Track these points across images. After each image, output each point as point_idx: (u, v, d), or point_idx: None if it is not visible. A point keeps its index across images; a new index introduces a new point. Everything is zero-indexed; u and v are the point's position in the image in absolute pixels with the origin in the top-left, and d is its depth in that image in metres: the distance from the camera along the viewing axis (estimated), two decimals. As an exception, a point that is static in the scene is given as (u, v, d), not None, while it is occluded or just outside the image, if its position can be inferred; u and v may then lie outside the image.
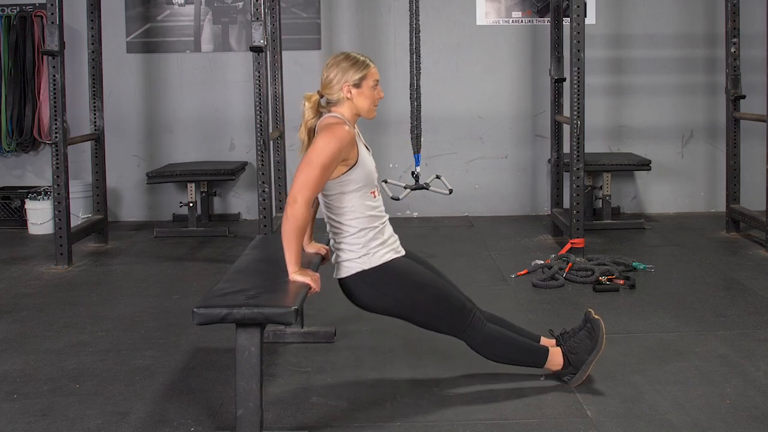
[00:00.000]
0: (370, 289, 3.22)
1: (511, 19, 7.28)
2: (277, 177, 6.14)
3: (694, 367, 3.55)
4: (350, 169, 3.15)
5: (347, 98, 3.23)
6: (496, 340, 3.31)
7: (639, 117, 7.35)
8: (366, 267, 3.19)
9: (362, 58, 3.28)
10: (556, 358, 3.35)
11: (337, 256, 3.25)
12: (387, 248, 3.24)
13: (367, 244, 3.19)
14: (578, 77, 5.50)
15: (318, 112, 3.26)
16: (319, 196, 3.24)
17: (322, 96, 3.26)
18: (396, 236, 3.34)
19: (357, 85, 3.23)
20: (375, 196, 3.25)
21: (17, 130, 7.17)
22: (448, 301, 3.28)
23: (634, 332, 4.04)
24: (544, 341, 3.45)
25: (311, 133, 3.25)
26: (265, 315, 2.79)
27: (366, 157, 3.22)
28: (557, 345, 3.41)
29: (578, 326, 3.44)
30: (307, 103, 3.25)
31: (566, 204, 6.12)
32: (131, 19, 7.28)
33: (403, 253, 3.32)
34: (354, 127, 3.23)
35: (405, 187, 6.00)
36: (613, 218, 6.88)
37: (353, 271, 3.21)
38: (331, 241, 3.28)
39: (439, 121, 7.27)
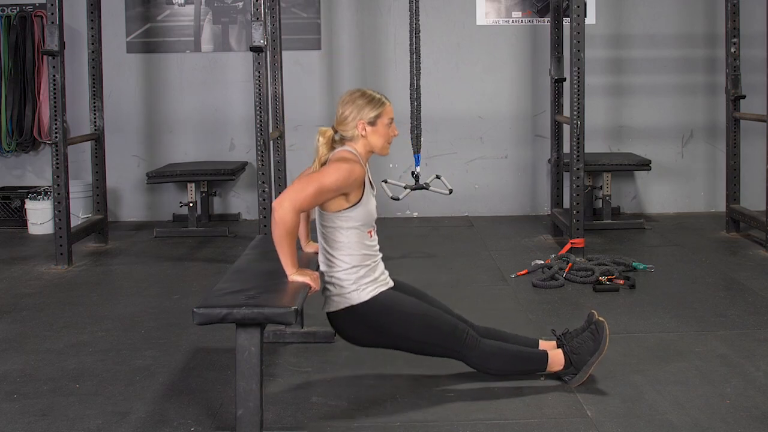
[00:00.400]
0: (358, 324, 3.25)
1: (511, 19, 7.28)
2: (277, 177, 6.13)
3: (694, 367, 3.55)
4: (352, 207, 3.18)
5: (362, 135, 3.25)
6: (493, 355, 3.32)
7: (639, 117, 7.35)
8: (354, 302, 3.21)
9: (378, 96, 3.28)
10: (556, 360, 3.35)
11: (326, 289, 3.27)
12: (376, 284, 3.25)
13: (358, 281, 3.22)
14: (578, 77, 5.50)
15: (332, 147, 3.28)
16: (317, 225, 3.27)
17: (336, 132, 3.28)
18: (386, 273, 3.35)
19: (372, 123, 3.24)
20: (371, 236, 3.27)
21: (17, 130, 7.17)
22: (439, 327, 3.28)
23: (634, 332, 4.03)
24: (543, 344, 3.45)
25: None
26: (265, 315, 2.79)
27: (369, 198, 3.24)
28: (558, 345, 3.41)
29: (581, 327, 3.44)
30: (321, 138, 3.27)
31: (566, 204, 6.12)
32: (131, 19, 7.28)
33: (391, 285, 3.33)
34: (365, 166, 3.25)
35: (405, 187, 6.00)
36: (613, 218, 6.88)
37: (341, 306, 3.23)
38: (323, 274, 3.29)
39: (439, 121, 7.27)
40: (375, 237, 3.30)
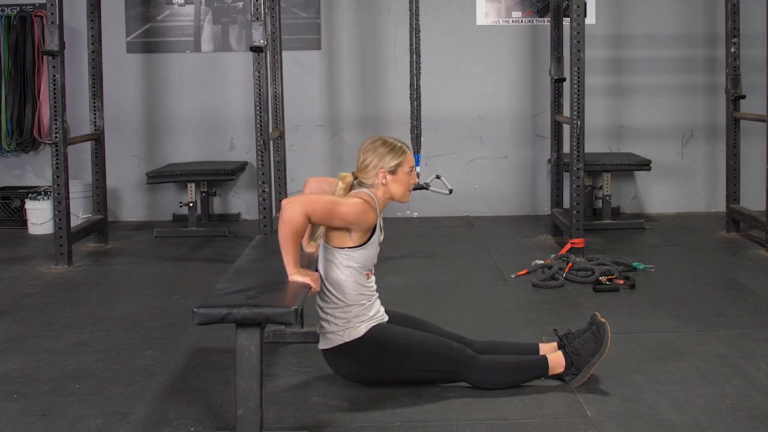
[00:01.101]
0: (353, 361, 3.28)
1: (511, 19, 7.28)
2: (277, 177, 6.13)
3: (694, 367, 3.55)
4: (355, 247, 3.20)
5: (382, 184, 3.26)
6: (492, 370, 3.32)
7: (639, 117, 7.35)
8: (347, 339, 3.24)
9: (399, 144, 3.30)
10: (557, 363, 3.35)
11: (321, 326, 3.30)
12: (371, 321, 3.27)
13: (352, 320, 3.24)
14: (578, 77, 5.50)
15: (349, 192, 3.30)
16: (320, 258, 3.30)
17: (356, 178, 3.30)
18: (382, 308, 3.36)
19: (393, 172, 3.27)
20: (369, 278, 3.29)
21: (17, 130, 7.17)
22: (434, 352, 3.30)
23: (634, 332, 4.03)
24: (543, 347, 3.45)
25: None
26: (265, 315, 2.79)
27: (374, 244, 3.26)
28: (560, 346, 3.41)
29: (583, 328, 3.44)
30: (341, 183, 3.28)
31: (566, 204, 6.12)
32: (131, 19, 7.28)
33: (385, 320, 3.34)
34: (380, 213, 3.27)
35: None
36: (613, 218, 6.88)
37: (335, 344, 3.26)
38: (319, 312, 3.31)
39: (439, 121, 7.27)
40: (372, 279, 3.33)
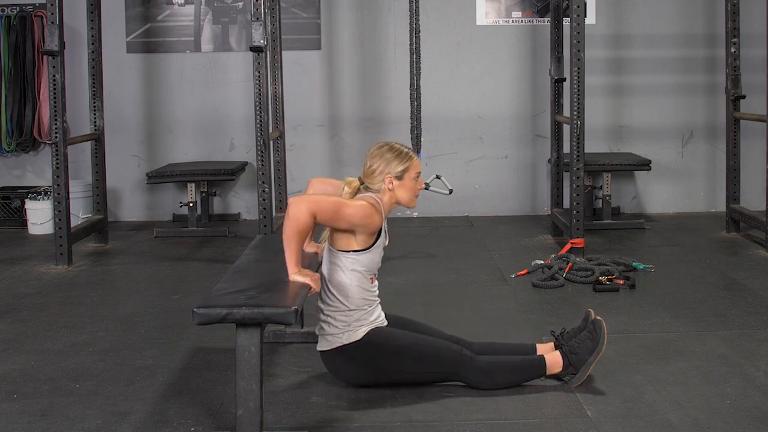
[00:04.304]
0: (351, 363, 3.28)
1: (511, 19, 7.28)
2: (277, 177, 6.13)
3: (694, 367, 3.55)
4: (360, 251, 3.21)
5: (389, 189, 3.27)
6: (490, 371, 3.32)
7: (639, 117, 7.35)
8: (346, 342, 3.24)
9: (406, 150, 3.31)
10: (554, 363, 3.35)
11: (321, 328, 3.30)
12: (370, 325, 3.28)
13: (352, 323, 3.25)
14: (578, 77, 5.50)
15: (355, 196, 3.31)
16: (324, 260, 3.30)
17: (362, 183, 3.30)
18: (383, 314, 3.36)
19: (399, 178, 3.28)
20: (372, 282, 3.30)
21: (17, 130, 7.17)
22: (432, 353, 3.30)
23: (634, 332, 4.03)
24: (541, 348, 3.45)
25: None
26: (265, 315, 2.79)
27: (379, 248, 3.27)
28: (557, 346, 3.41)
29: (578, 326, 3.44)
30: (347, 188, 3.29)
31: (566, 204, 6.12)
32: (131, 19, 7.28)
33: (384, 324, 3.34)
34: (385, 218, 3.28)
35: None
36: (613, 218, 6.88)
37: (334, 346, 3.26)
38: (320, 314, 3.31)
39: (439, 121, 7.27)
40: (376, 283, 3.33)
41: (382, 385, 3.33)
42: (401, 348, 3.28)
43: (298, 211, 3.03)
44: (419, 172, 3.33)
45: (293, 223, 3.03)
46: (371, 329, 3.26)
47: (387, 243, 3.37)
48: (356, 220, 3.13)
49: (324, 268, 3.31)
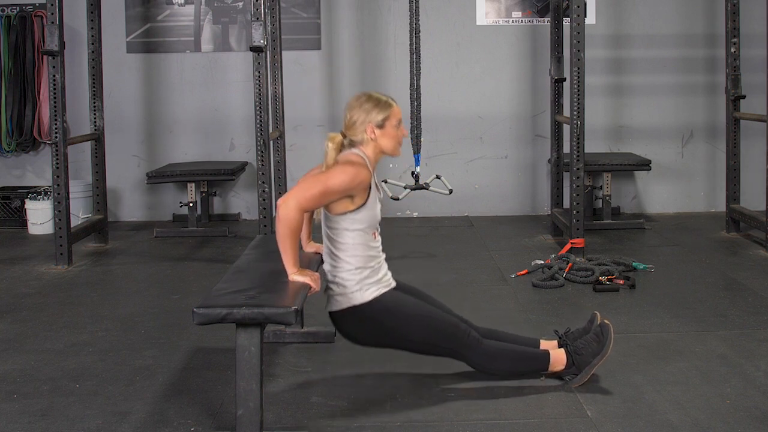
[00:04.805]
0: (361, 324, 3.26)
1: (511, 19, 7.28)
2: (277, 177, 6.13)
3: (694, 367, 3.55)
4: (357, 209, 3.19)
5: (371, 139, 3.25)
6: (495, 356, 3.32)
7: (639, 117, 7.35)
8: (356, 302, 3.22)
9: (384, 98, 3.30)
10: (558, 360, 3.35)
11: (330, 288, 3.28)
12: (378, 285, 3.26)
13: (361, 281, 3.23)
14: (578, 77, 5.50)
15: (341, 152, 3.28)
16: (323, 226, 3.28)
17: (345, 136, 3.28)
18: (389, 274, 3.36)
19: (380, 126, 3.25)
20: (375, 237, 3.28)
21: (17, 130, 7.17)
22: (441, 328, 3.29)
23: (634, 332, 4.03)
24: (544, 344, 3.45)
25: None
26: (265, 315, 2.79)
27: (375, 202, 3.25)
28: (560, 345, 3.41)
29: (583, 327, 3.44)
30: (330, 144, 3.26)
31: (566, 204, 6.12)
32: (131, 19, 7.28)
33: (393, 285, 3.33)
34: (373, 170, 3.26)
35: (405, 187, 6.00)
36: (613, 218, 6.88)
37: (344, 306, 3.24)
38: (327, 274, 3.29)
39: (439, 121, 7.27)
40: (379, 238, 3.31)
41: (388, 347, 3.31)
42: (412, 315, 3.26)
43: (287, 210, 3.02)
44: (400, 119, 3.30)
45: (283, 223, 3.03)
46: (384, 292, 3.24)
47: (382, 196, 3.34)
48: (346, 185, 3.10)
49: (325, 233, 3.27)
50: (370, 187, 3.21)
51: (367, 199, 3.20)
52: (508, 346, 3.37)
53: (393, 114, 3.27)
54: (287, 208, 3.02)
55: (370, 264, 3.24)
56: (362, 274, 3.22)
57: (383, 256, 3.34)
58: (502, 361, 3.32)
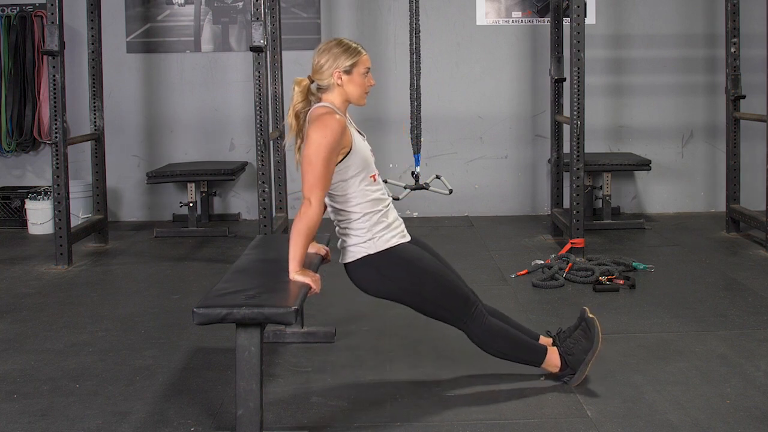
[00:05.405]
0: (374, 274, 3.21)
1: (511, 19, 7.28)
2: (277, 177, 6.13)
3: (694, 367, 3.55)
4: (346, 156, 3.14)
5: (337, 84, 3.19)
6: (496, 334, 3.31)
7: (639, 117, 7.35)
8: (371, 251, 3.18)
9: (354, 45, 3.22)
10: (554, 359, 3.36)
11: (342, 241, 3.24)
12: (392, 232, 3.22)
13: (372, 228, 3.18)
14: (578, 77, 5.50)
15: (307, 97, 3.24)
16: None
17: (312, 81, 3.24)
18: (401, 220, 3.31)
19: (348, 72, 3.19)
20: (375, 180, 3.23)
21: (17, 130, 7.17)
22: (452, 291, 3.26)
23: (634, 332, 4.03)
24: (543, 340, 3.46)
25: (299, 118, 3.24)
26: (265, 315, 2.79)
27: (360, 143, 3.20)
28: (554, 345, 3.41)
29: (574, 325, 3.44)
30: (296, 87, 3.23)
31: (566, 204, 6.12)
32: (131, 19, 7.28)
33: (408, 238, 3.29)
34: (345, 115, 3.22)
35: (405, 187, 6.00)
36: (613, 218, 6.88)
37: (358, 256, 3.20)
38: (337, 228, 3.26)
39: (439, 121, 7.27)
40: (379, 182, 3.26)
41: (396, 300, 3.26)
42: (426, 271, 3.22)
43: (311, 207, 3.00)
44: (368, 68, 3.23)
45: (305, 219, 3.01)
46: (399, 242, 3.21)
47: (365, 135, 3.30)
48: (335, 143, 3.04)
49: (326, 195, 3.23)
50: (348, 130, 3.15)
51: (351, 143, 3.15)
52: (511, 331, 3.36)
53: (361, 61, 3.20)
54: (311, 207, 3.01)
55: (377, 208, 3.20)
56: (371, 220, 3.18)
57: (390, 199, 3.28)
58: (503, 342, 3.31)
